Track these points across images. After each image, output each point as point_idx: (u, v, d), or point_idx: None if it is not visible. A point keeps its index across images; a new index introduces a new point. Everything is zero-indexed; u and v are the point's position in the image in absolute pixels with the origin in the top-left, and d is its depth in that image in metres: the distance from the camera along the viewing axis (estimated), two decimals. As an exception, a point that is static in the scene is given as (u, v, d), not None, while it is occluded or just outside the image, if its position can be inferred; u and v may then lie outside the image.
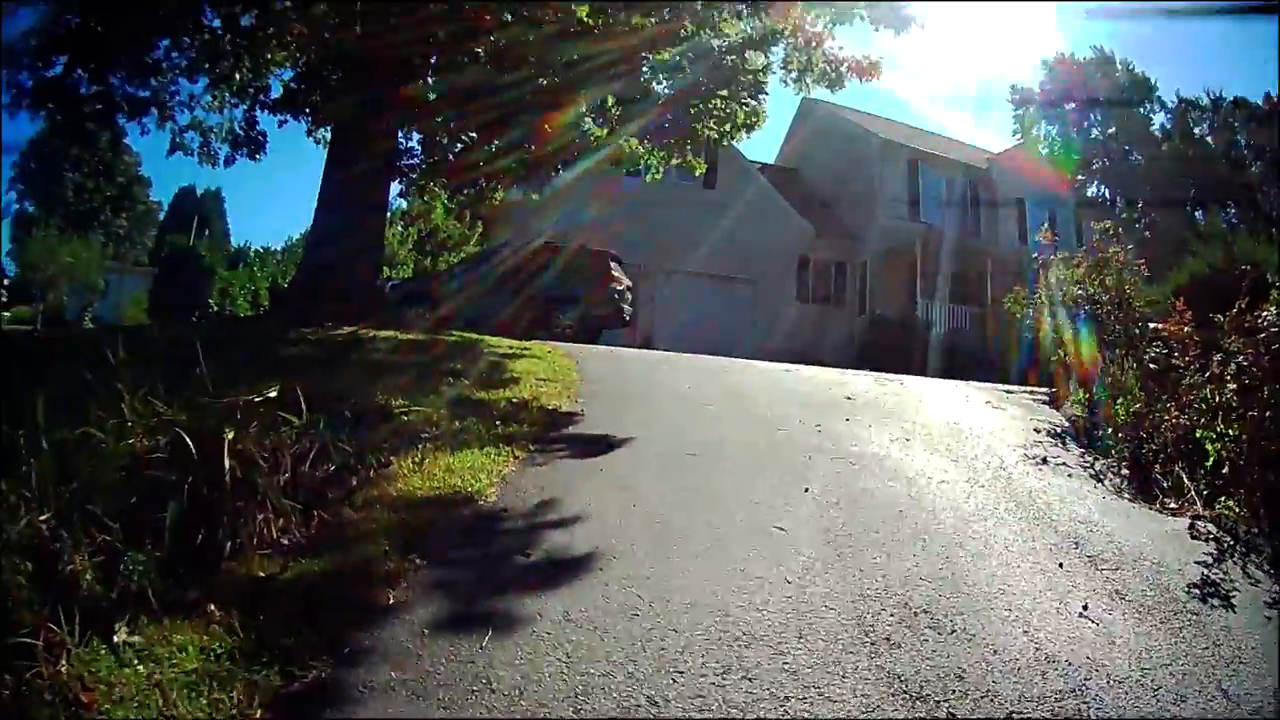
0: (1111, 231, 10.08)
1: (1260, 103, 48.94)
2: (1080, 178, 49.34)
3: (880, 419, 8.53)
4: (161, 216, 58.90)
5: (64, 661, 2.98)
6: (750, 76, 14.89)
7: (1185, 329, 8.03)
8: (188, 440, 3.96)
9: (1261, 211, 47.47)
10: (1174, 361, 7.76)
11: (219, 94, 14.93)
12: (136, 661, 3.13)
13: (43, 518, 3.41)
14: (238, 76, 14.59)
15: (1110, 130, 51.14)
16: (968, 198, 30.64)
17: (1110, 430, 8.02)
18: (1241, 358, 6.68)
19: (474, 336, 12.88)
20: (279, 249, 35.73)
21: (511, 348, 11.81)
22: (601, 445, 6.67)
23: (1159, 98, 52.31)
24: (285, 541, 4.18)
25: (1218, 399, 6.73)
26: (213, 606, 3.51)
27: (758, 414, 8.42)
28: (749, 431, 7.58)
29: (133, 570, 3.46)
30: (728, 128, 15.40)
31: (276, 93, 15.77)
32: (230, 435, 4.07)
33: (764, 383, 10.82)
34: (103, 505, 3.62)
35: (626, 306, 18.45)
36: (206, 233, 45.86)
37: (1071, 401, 9.68)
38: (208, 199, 57.26)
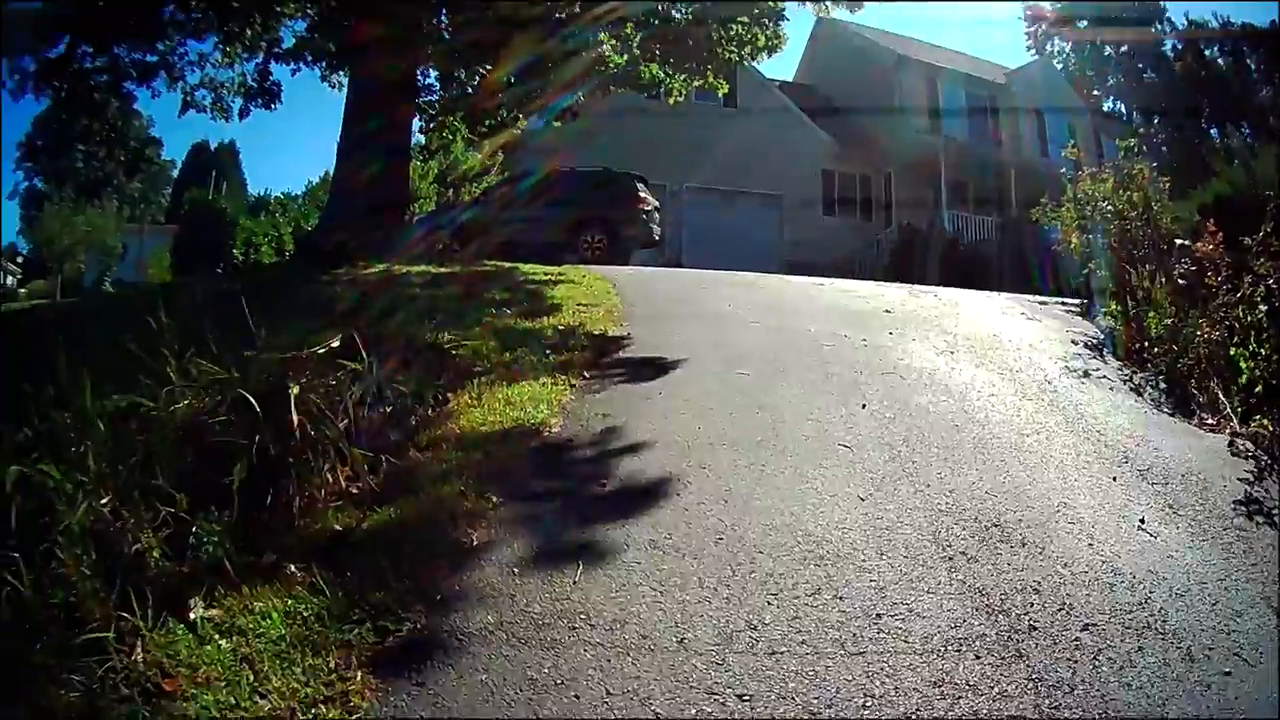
0: (1136, 148, 9.72)
1: (1267, 26, 47.58)
2: (1095, 93, 48.35)
3: (923, 332, 8.40)
4: (175, 174, 58.50)
5: (139, 649, 2.76)
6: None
7: (1216, 248, 7.77)
8: (250, 400, 3.76)
9: (1276, 135, 46.46)
10: (1206, 280, 7.51)
11: (231, 50, 14.67)
12: (218, 637, 2.93)
13: (103, 501, 3.16)
14: (249, 32, 14.33)
15: (1123, 49, 49.60)
16: (988, 111, 29.75)
17: (1145, 345, 7.90)
18: (1271, 280, 6.64)
19: (507, 265, 12.69)
20: (300, 194, 35.16)
21: (547, 274, 11.66)
22: (655, 368, 6.54)
23: (1169, 19, 50.92)
24: (356, 491, 4.02)
25: (1249, 319, 6.64)
26: (292, 567, 3.34)
27: (801, 329, 8.26)
28: (796, 347, 7.44)
29: (205, 542, 3.31)
30: (748, 50, 15.03)
31: (289, 44, 15.53)
32: (295, 390, 3.89)
33: (801, 298, 10.62)
34: (163, 478, 3.39)
35: (655, 227, 18.19)
36: (224, 186, 45.23)
37: (1105, 313, 9.40)
38: (222, 152, 56.59)
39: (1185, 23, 51.48)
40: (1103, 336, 8.95)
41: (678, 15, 14.39)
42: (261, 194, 40.95)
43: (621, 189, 17.91)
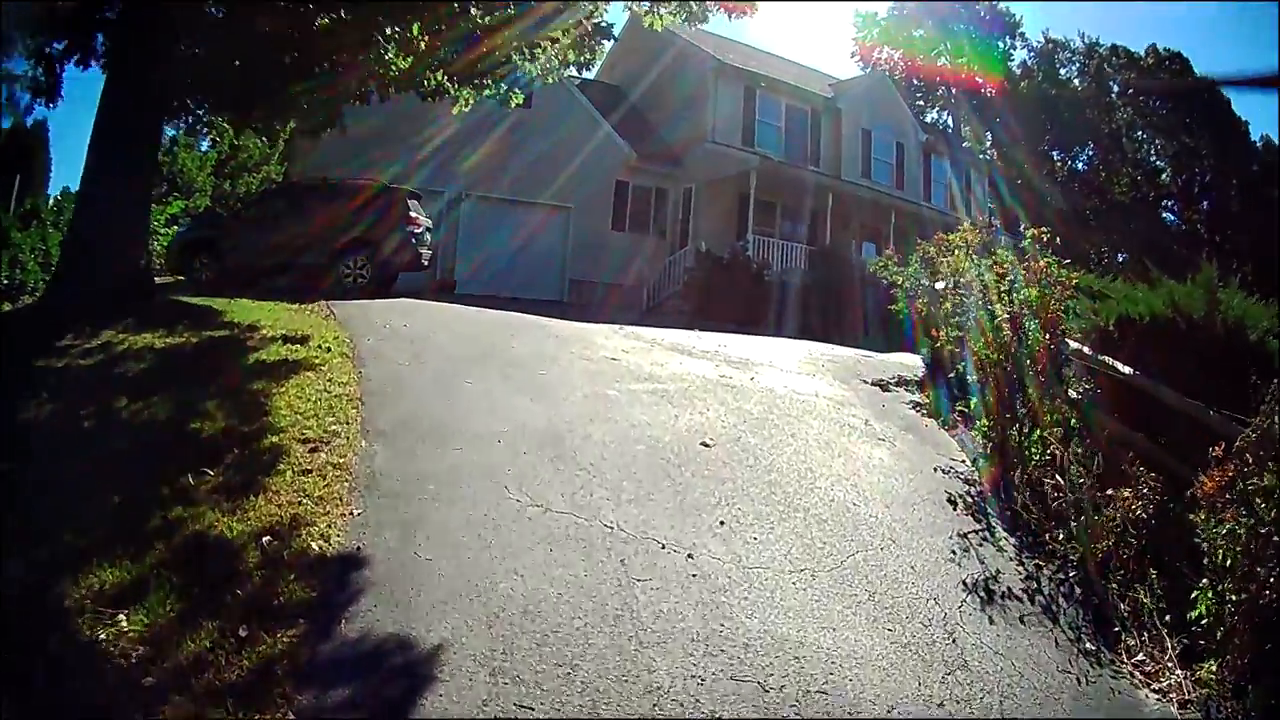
0: (1045, 240, 8.06)
1: (1141, 52, 49.01)
2: (921, 102, 48.41)
3: (737, 497, 6.49)
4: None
5: None
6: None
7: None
8: None
9: (1127, 156, 48.08)
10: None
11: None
12: None
13: None
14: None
15: (960, 59, 49.53)
16: (808, 125, 28.20)
17: (1034, 504, 6.76)
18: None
19: (248, 318, 10.84)
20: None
21: (288, 332, 9.96)
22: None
23: (1022, 34, 51.59)
24: None
25: (1220, 546, 4.89)
26: None
27: (604, 522, 5.86)
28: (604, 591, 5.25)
29: None
30: (555, 63, 13.07)
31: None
32: None
33: (588, 408, 8.26)
34: None
35: (424, 250, 17.03)
36: (17, 179, 38.71)
37: (980, 435, 7.96)
38: (34, 130, 48.52)
39: (1042, 39, 52.42)
40: (974, 471, 7.74)
41: (475, 13, 11.95)
42: (41, 196, 35.23)
43: (390, 207, 16.39)
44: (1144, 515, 5.74)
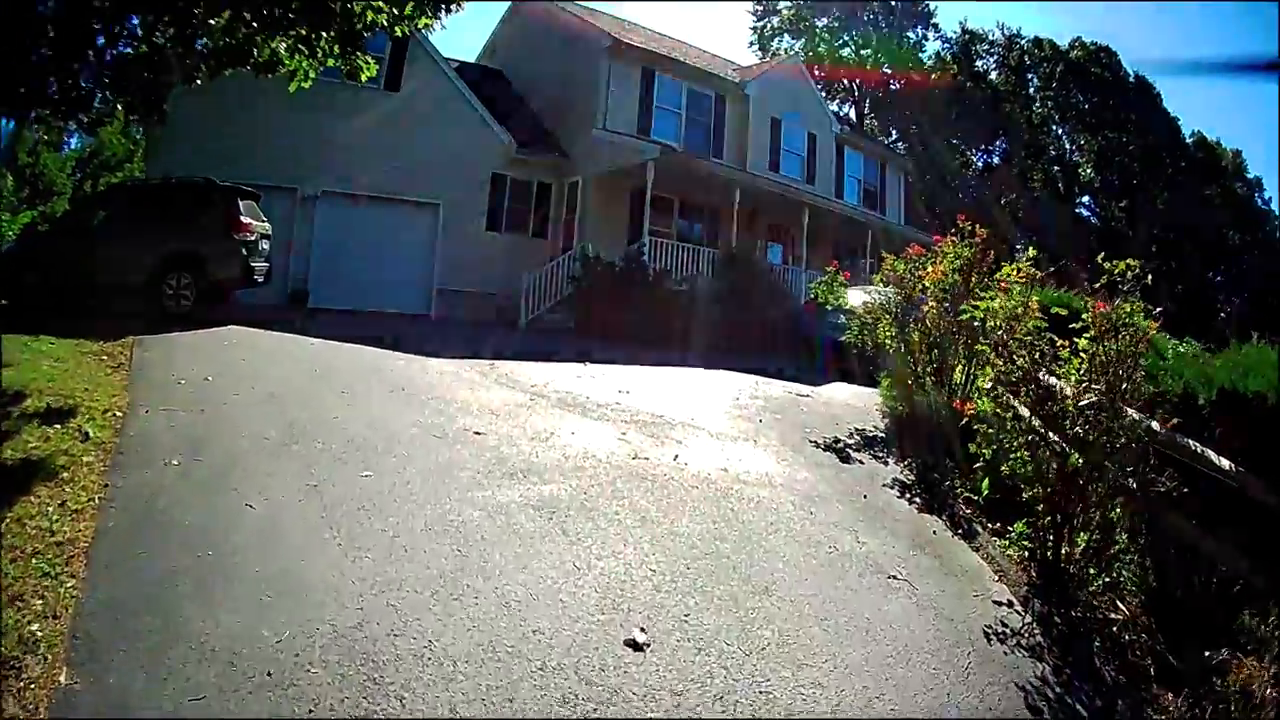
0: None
1: (1066, 46, 47.90)
2: (823, 93, 46.48)
3: None
4: None
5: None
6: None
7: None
8: None
9: (1044, 152, 46.94)
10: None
11: None
12: None
13: None
14: None
15: (865, 51, 47.41)
16: (713, 113, 24.89)
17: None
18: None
19: (22, 376, 7.53)
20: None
21: (57, 399, 7.01)
22: None
23: (935, 24, 49.77)
24: None
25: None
26: None
27: None
28: None
29: None
30: (409, 10, 10.05)
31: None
32: None
33: (429, 566, 5.20)
34: None
35: (259, 262, 14.12)
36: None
37: (1015, 548, 6.26)
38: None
39: (959, 31, 50.67)
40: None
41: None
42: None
43: (214, 211, 13.47)
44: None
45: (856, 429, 9.38)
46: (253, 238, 13.57)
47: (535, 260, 21.33)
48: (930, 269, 8.94)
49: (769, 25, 48.29)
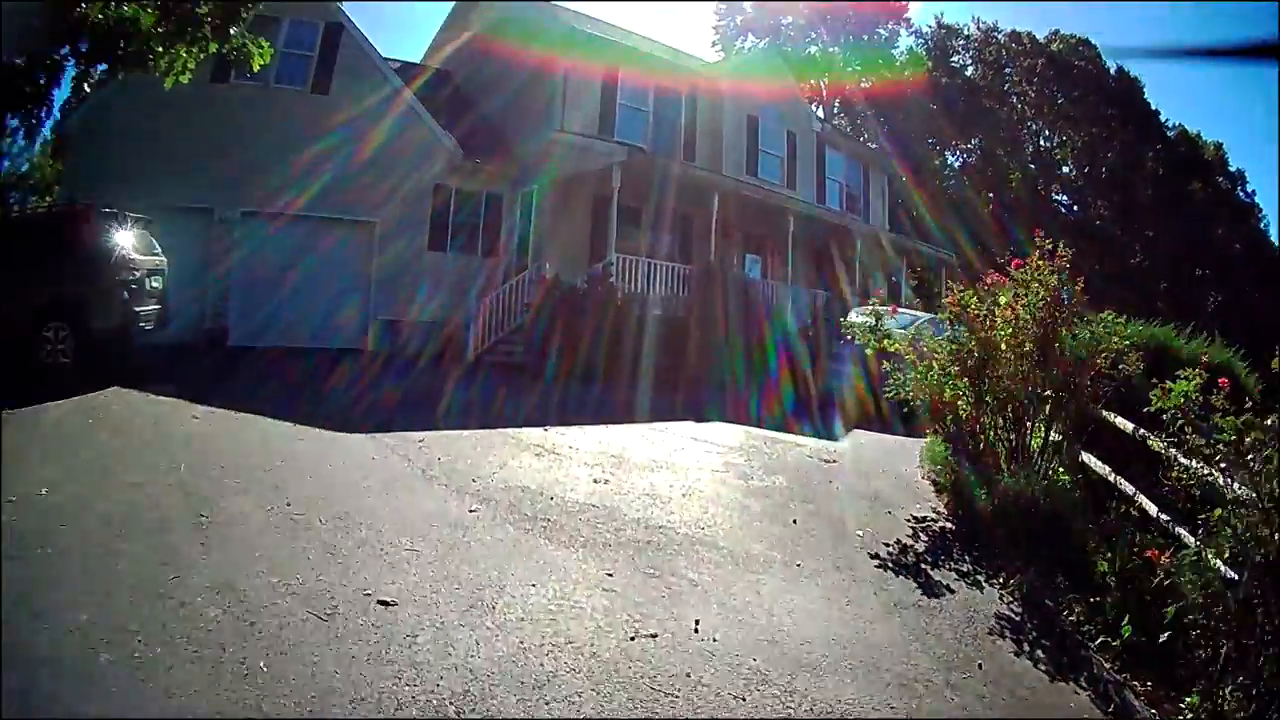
0: None
1: (1044, 39, 46.31)
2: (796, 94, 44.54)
3: None
4: None
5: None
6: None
7: None
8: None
9: (1021, 146, 45.20)
10: None
11: None
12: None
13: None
14: None
15: (833, 50, 45.48)
16: (682, 112, 22.32)
17: None
18: None
19: None
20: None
21: None
22: None
23: (907, 19, 47.92)
24: None
25: None
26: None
27: None
28: None
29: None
30: None
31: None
32: None
33: None
34: None
35: (147, 306, 11.63)
36: None
37: None
38: None
39: (934, 25, 48.88)
40: None
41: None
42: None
43: (81, 245, 10.90)
44: None
45: (914, 517, 7.32)
46: (136, 274, 11.15)
47: (486, 283, 18.87)
48: (1005, 304, 6.90)
49: (732, 22, 46.22)
